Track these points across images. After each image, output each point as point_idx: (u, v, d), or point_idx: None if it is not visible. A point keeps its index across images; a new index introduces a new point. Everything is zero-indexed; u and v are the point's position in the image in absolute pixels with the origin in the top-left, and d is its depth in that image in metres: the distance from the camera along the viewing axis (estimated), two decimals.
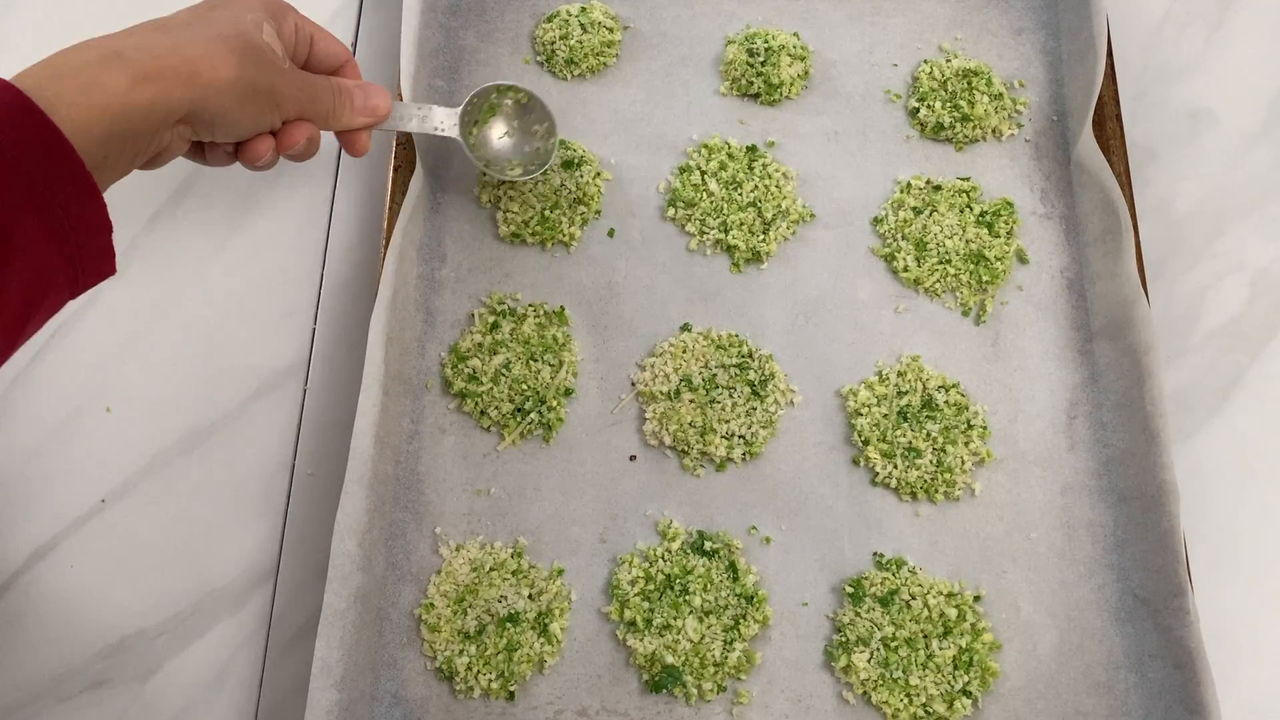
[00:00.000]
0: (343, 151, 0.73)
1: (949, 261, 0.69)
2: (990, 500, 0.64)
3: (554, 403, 0.65)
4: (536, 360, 0.66)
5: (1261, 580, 0.66)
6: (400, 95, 0.68)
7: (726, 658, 0.60)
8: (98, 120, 0.45)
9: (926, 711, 0.59)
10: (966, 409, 0.65)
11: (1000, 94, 0.73)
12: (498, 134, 0.67)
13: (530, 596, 0.61)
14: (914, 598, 0.61)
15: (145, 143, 0.48)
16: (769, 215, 0.70)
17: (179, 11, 0.52)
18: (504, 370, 0.65)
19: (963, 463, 0.64)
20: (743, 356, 0.66)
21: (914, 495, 0.64)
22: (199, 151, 0.56)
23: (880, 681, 0.59)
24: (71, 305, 0.69)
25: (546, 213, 0.69)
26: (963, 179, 0.72)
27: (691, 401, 0.64)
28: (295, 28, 0.56)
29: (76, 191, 0.44)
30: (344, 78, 0.60)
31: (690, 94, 0.74)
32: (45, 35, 0.77)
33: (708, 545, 0.62)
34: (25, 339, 0.46)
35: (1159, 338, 0.65)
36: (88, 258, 0.46)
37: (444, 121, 0.64)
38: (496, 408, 0.65)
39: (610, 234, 0.70)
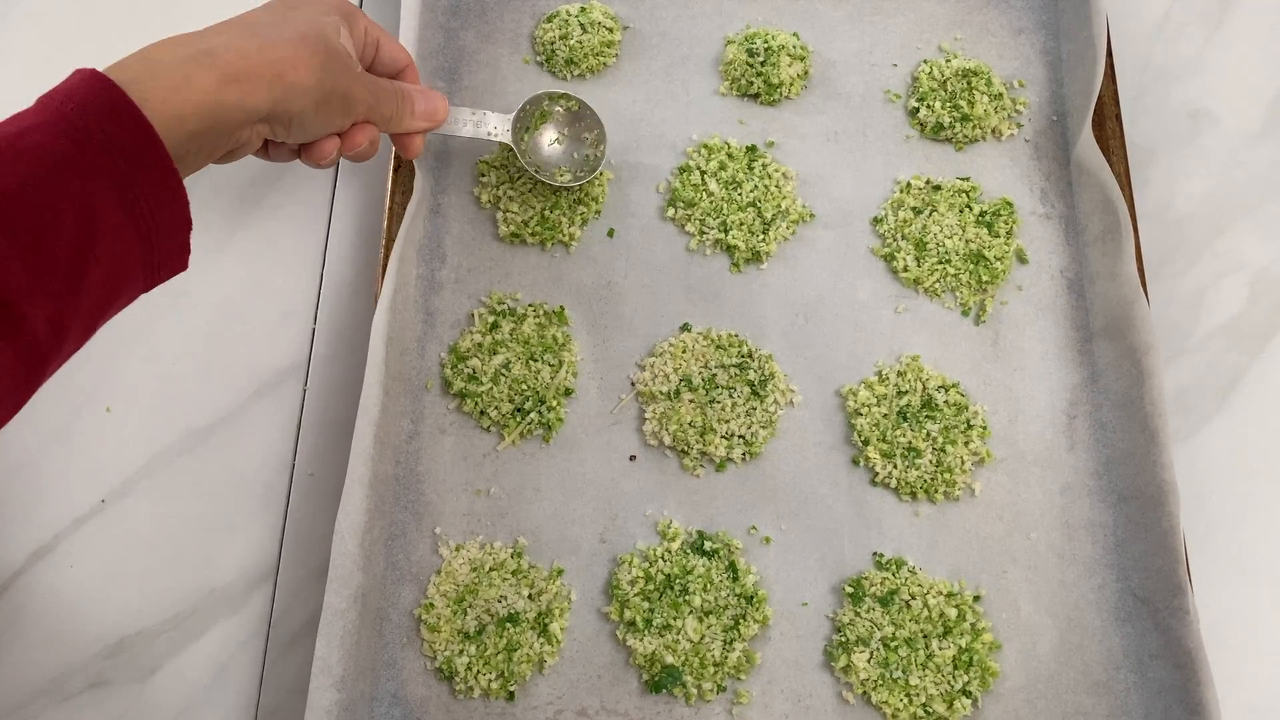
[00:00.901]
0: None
1: (949, 261, 0.69)
2: (990, 500, 0.64)
3: (554, 403, 0.65)
4: (536, 360, 0.66)
5: (1261, 580, 0.65)
6: None
7: (726, 658, 0.60)
8: (188, 117, 0.46)
9: (926, 711, 0.59)
10: (966, 409, 0.65)
11: (1000, 94, 0.73)
12: (548, 140, 0.69)
13: (530, 596, 0.61)
14: (914, 598, 0.61)
15: (226, 139, 0.49)
16: (769, 215, 0.70)
17: (259, 9, 0.53)
18: (504, 370, 0.65)
19: (963, 463, 0.64)
20: (742, 356, 0.66)
21: (914, 495, 0.64)
22: (264, 149, 0.56)
23: (880, 681, 0.59)
24: None
25: (546, 213, 0.69)
26: (963, 179, 0.72)
27: (691, 401, 0.64)
28: (365, 31, 0.58)
29: (162, 188, 0.45)
30: (405, 81, 0.61)
31: (690, 94, 0.74)
32: (47, 32, 0.77)
33: (708, 545, 0.62)
34: (101, 325, 0.47)
35: (1159, 338, 0.65)
36: (166, 251, 0.47)
37: (497, 127, 0.66)
38: (496, 408, 0.65)
39: (610, 234, 0.70)
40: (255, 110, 0.49)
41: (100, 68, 0.45)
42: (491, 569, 0.61)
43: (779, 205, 0.70)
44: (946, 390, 0.66)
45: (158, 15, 0.77)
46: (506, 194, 0.70)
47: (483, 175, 0.71)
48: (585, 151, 0.69)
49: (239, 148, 0.52)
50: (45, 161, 0.42)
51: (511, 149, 0.66)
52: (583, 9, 0.74)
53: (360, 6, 0.78)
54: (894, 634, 0.60)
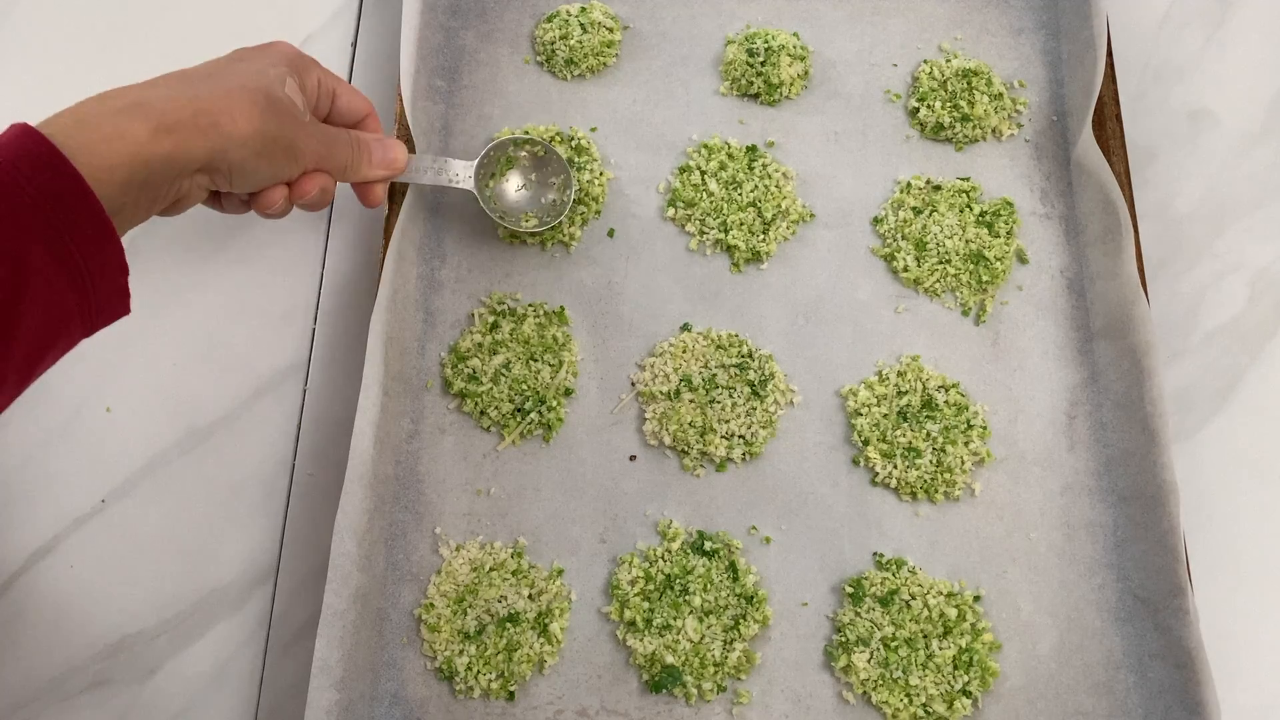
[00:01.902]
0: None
1: (949, 261, 0.69)
2: (990, 500, 0.64)
3: (554, 403, 0.65)
4: (536, 360, 0.66)
5: (1261, 580, 0.66)
6: (400, 95, 0.68)
7: (726, 658, 0.60)
8: (119, 168, 0.46)
9: (926, 711, 0.59)
10: (966, 409, 0.65)
11: (1000, 94, 0.73)
12: (514, 186, 0.68)
13: (530, 596, 0.61)
14: (914, 598, 0.61)
15: (164, 190, 0.49)
16: (769, 215, 0.70)
17: (204, 63, 0.54)
18: (504, 370, 0.65)
19: (963, 463, 0.64)
20: (743, 356, 0.66)
21: (914, 495, 0.64)
22: (215, 200, 0.57)
23: (880, 681, 0.59)
24: None
25: None
26: (963, 179, 0.72)
27: (691, 401, 0.65)
28: (318, 82, 0.57)
29: (95, 235, 0.45)
30: (365, 130, 0.61)
31: (690, 94, 0.74)
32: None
33: (708, 545, 0.62)
34: (37, 376, 0.47)
35: (1159, 338, 0.65)
36: (103, 299, 0.47)
37: (459, 174, 0.65)
38: (496, 408, 0.65)
39: (610, 234, 0.70)
40: (190, 161, 0.49)
41: (34, 123, 0.46)
42: (491, 569, 0.61)
43: (779, 205, 0.70)
44: (946, 390, 0.66)
45: (154, 21, 0.77)
46: None
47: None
48: (551, 196, 0.68)
49: (181, 199, 0.52)
50: None
51: (475, 196, 0.66)
52: (583, 9, 0.74)
53: (359, 11, 0.78)
54: (894, 634, 0.60)
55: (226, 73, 0.52)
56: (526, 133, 0.71)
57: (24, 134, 0.44)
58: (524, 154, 0.68)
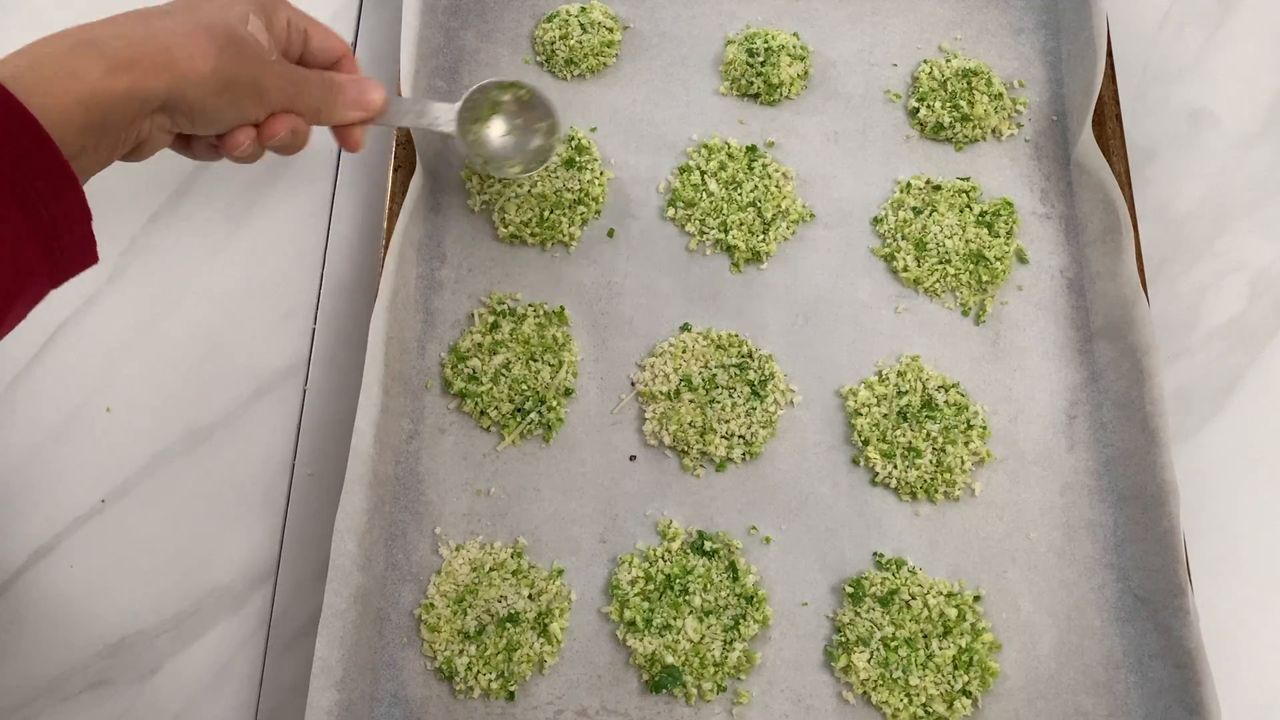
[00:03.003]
0: (343, 151, 0.73)
1: (949, 261, 0.69)
2: (990, 500, 0.64)
3: (554, 403, 0.65)
4: (536, 360, 0.66)
5: (1261, 580, 0.65)
6: (400, 95, 0.68)
7: (726, 658, 0.60)
8: (74, 108, 0.44)
9: (926, 711, 0.59)
10: (966, 409, 0.65)
11: (1000, 94, 0.73)
12: (499, 132, 0.66)
13: (530, 596, 0.61)
14: (914, 598, 0.61)
15: (123, 132, 0.48)
16: (769, 215, 0.70)
17: (165, 2, 0.52)
18: (504, 370, 0.65)
19: (963, 463, 0.64)
20: (743, 356, 0.66)
21: (914, 495, 0.64)
22: (184, 144, 0.55)
23: (880, 681, 0.59)
24: (71, 305, 0.69)
25: (546, 213, 0.69)
26: (963, 179, 0.72)
27: (691, 401, 0.64)
28: (288, 22, 0.55)
29: (54, 180, 0.44)
30: (341, 72, 0.59)
31: (690, 94, 0.74)
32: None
33: (708, 545, 0.62)
34: (7, 329, 0.46)
35: (1159, 338, 0.65)
36: (68, 247, 0.46)
37: (441, 116, 0.62)
38: (496, 408, 0.65)
39: (610, 234, 0.70)
40: (148, 99, 0.47)
41: None
42: (491, 569, 0.61)
43: (779, 205, 0.70)
44: (946, 390, 0.66)
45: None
46: (500, 194, 0.70)
47: (467, 182, 0.70)
48: (537, 143, 0.66)
49: (143, 143, 0.50)
50: None
51: (456, 138, 0.63)
52: (583, 9, 0.74)
53: (359, 11, 0.78)
54: (894, 634, 0.60)
55: (186, 11, 0.50)
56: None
57: None
58: (508, 98, 0.65)
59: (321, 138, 0.72)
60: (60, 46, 0.46)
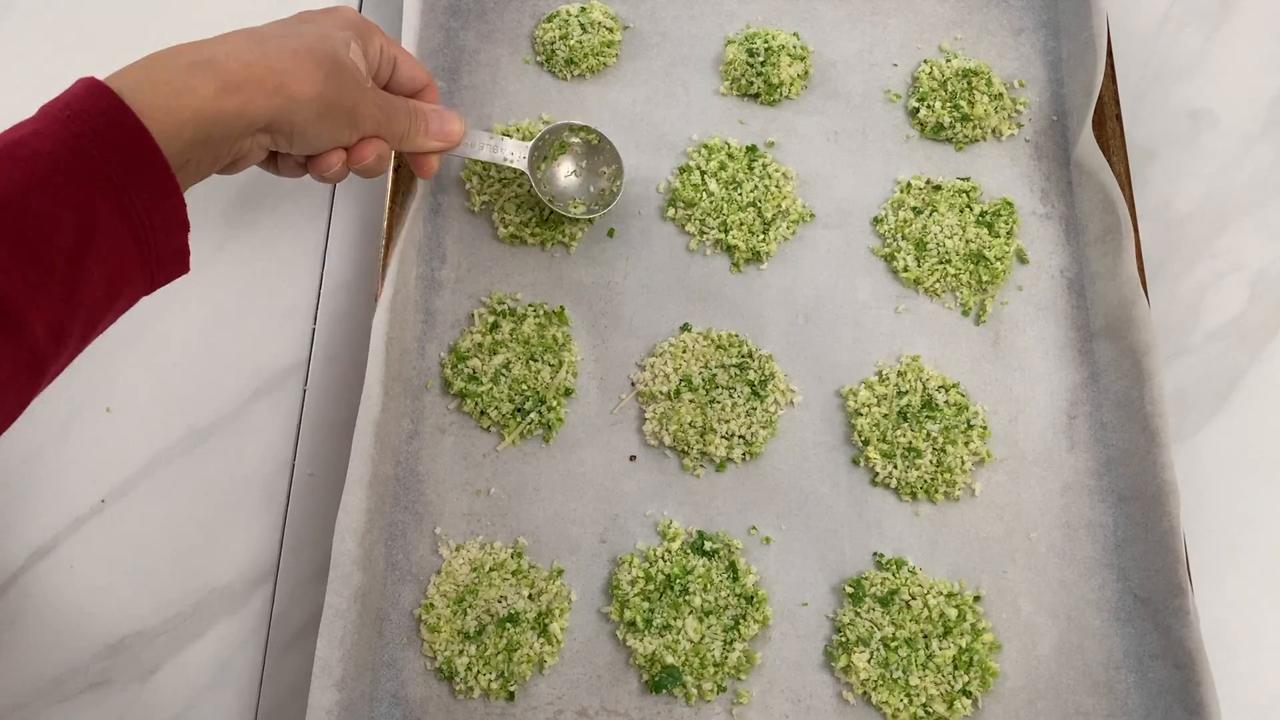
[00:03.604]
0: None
1: (949, 261, 0.69)
2: (990, 500, 0.64)
3: (554, 403, 0.65)
4: (536, 360, 0.66)
5: (1261, 580, 0.66)
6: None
7: (726, 658, 0.60)
8: (186, 124, 0.46)
9: (926, 711, 0.59)
10: (966, 409, 0.65)
11: (1000, 94, 0.73)
12: (565, 171, 0.69)
13: (530, 596, 0.61)
14: (914, 598, 0.61)
15: (227, 148, 0.50)
16: (769, 215, 0.70)
17: (271, 23, 0.54)
18: (504, 370, 0.65)
19: (963, 463, 0.64)
20: (743, 356, 0.66)
21: (914, 495, 0.64)
22: (272, 161, 0.57)
23: (880, 681, 0.59)
24: None
25: (546, 213, 0.69)
26: (963, 179, 0.72)
27: (691, 401, 0.64)
28: (381, 49, 0.57)
29: (159, 191, 0.46)
30: (423, 101, 0.61)
31: (690, 94, 0.74)
32: (45, 34, 0.77)
33: (708, 545, 0.62)
34: (100, 332, 0.47)
35: (1159, 338, 0.65)
36: (164, 255, 0.48)
37: (514, 153, 0.65)
38: (496, 408, 0.65)
39: (610, 234, 0.70)
40: (255, 119, 0.49)
41: (102, 76, 0.46)
42: (491, 569, 0.61)
43: (779, 205, 0.70)
44: (946, 390, 0.66)
45: (156, 16, 0.77)
46: (499, 198, 0.70)
47: (467, 182, 0.71)
48: (601, 185, 0.69)
49: (241, 158, 0.52)
50: (42, 168, 0.43)
51: (527, 176, 0.66)
52: (583, 9, 0.74)
53: (360, 8, 0.78)
54: (894, 634, 0.60)
55: (293, 34, 0.52)
56: (508, 135, 0.71)
57: (92, 87, 0.45)
58: (578, 140, 0.68)
59: None
60: (178, 62, 0.47)
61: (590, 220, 0.70)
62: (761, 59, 0.73)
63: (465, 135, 0.63)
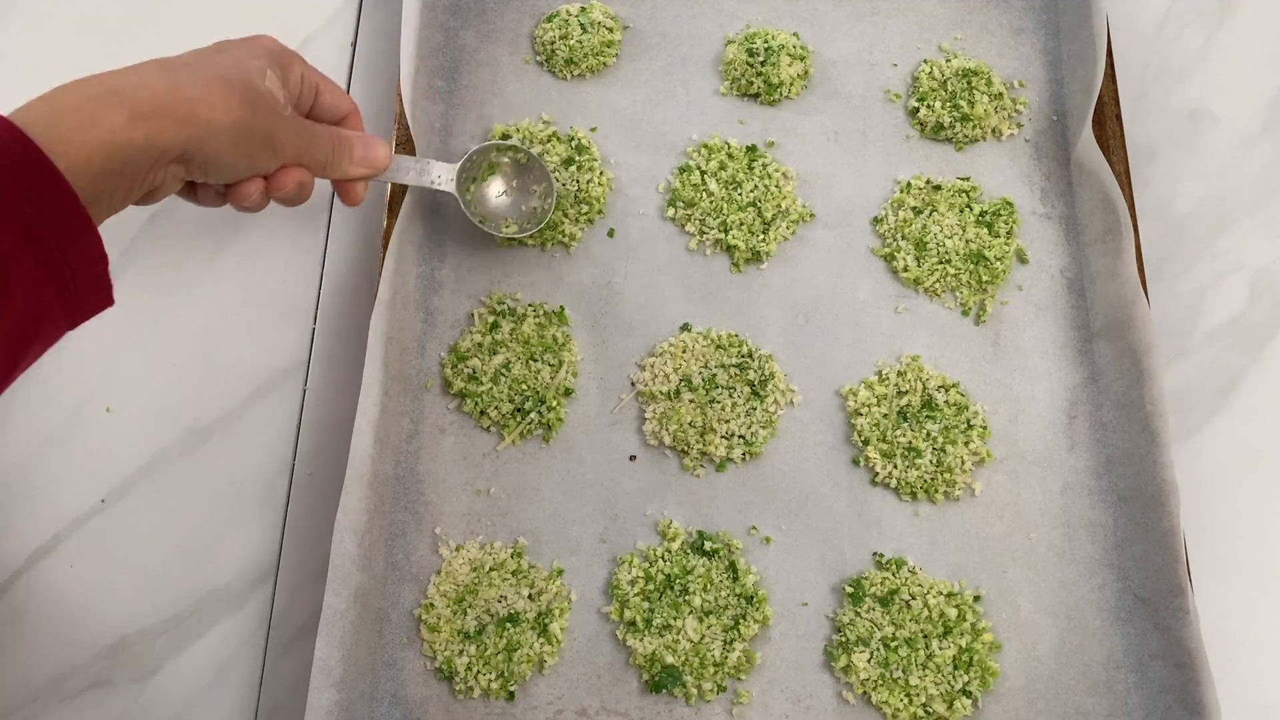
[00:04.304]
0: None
1: (949, 261, 0.69)
2: (990, 500, 0.64)
3: (554, 403, 0.65)
4: (536, 360, 0.66)
5: (1261, 580, 0.65)
6: (400, 95, 0.68)
7: (726, 658, 0.60)
8: (94, 156, 0.45)
9: (926, 711, 0.59)
10: (966, 409, 0.65)
11: (1000, 94, 0.73)
12: (495, 192, 0.68)
13: (530, 596, 0.61)
14: (914, 598, 0.61)
15: (140, 179, 0.48)
16: (769, 215, 0.70)
17: (186, 52, 0.53)
18: (504, 370, 0.65)
19: (963, 463, 0.64)
20: (743, 356, 0.66)
21: (914, 495, 0.64)
22: (191, 191, 0.56)
23: (880, 681, 0.59)
24: None
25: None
26: (963, 179, 0.72)
27: (691, 401, 0.65)
28: (301, 77, 0.57)
29: (71, 226, 0.44)
30: (347, 128, 0.60)
31: (690, 94, 0.74)
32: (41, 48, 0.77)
33: (708, 545, 0.62)
34: (21, 370, 0.46)
35: (1159, 338, 0.65)
36: (83, 290, 0.46)
37: (441, 176, 0.64)
38: (496, 408, 0.65)
39: (610, 234, 0.70)
40: (166, 149, 0.48)
41: (6, 113, 0.45)
42: (491, 569, 0.61)
43: (779, 205, 0.70)
44: (946, 390, 0.66)
45: (149, 19, 0.77)
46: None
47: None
48: (533, 204, 0.68)
49: (156, 189, 0.51)
50: None
51: (456, 198, 0.65)
52: (583, 9, 0.74)
53: (359, 11, 0.78)
54: (894, 634, 0.60)
55: (206, 62, 0.51)
56: (506, 136, 0.71)
57: None
58: (506, 159, 0.68)
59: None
60: (84, 94, 0.46)
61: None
62: (761, 59, 0.73)
63: (391, 160, 0.62)
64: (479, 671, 0.59)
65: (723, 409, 0.64)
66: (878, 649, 0.60)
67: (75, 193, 0.44)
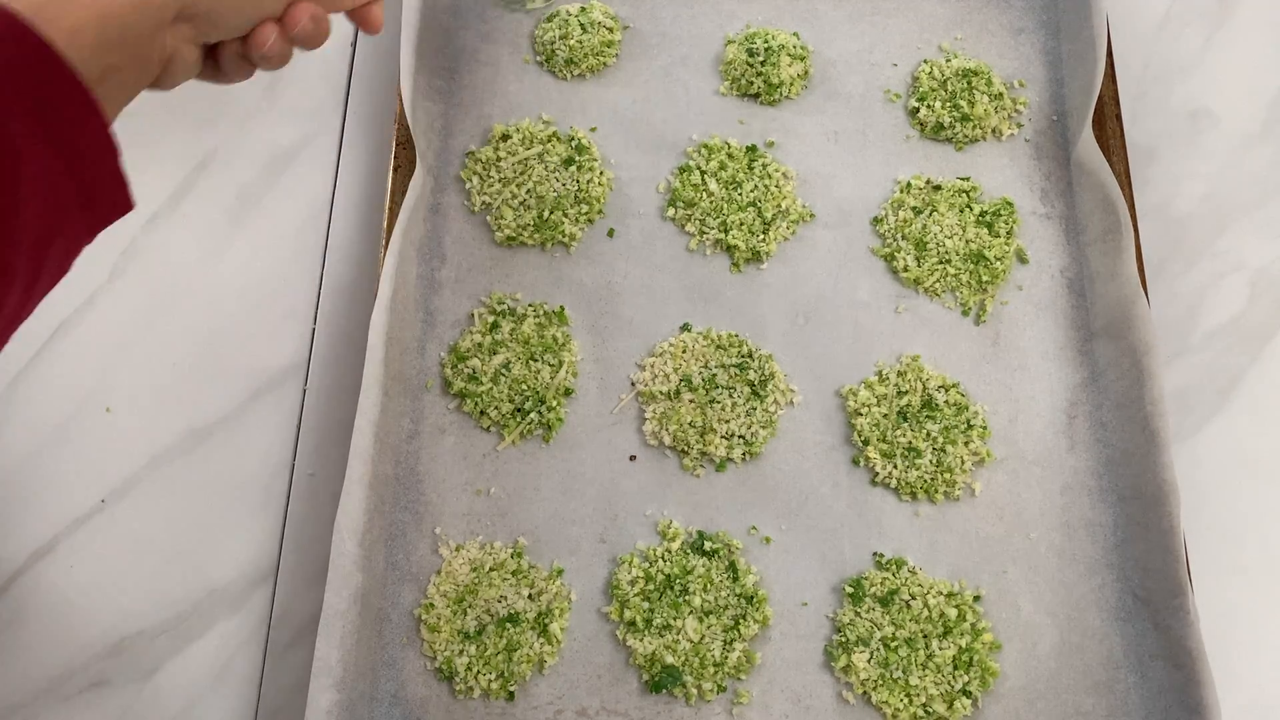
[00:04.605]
0: (343, 150, 0.73)
1: (949, 261, 0.69)
2: (990, 500, 0.64)
3: (554, 403, 0.65)
4: (536, 360, 0.66)
5: (1261, 580, 0.65)
6: (400, 95, 0.68)
7: (726, 658, 0.60)
8: (87, 27, 0.41)
9: (926, 711, 0.59)
10: (966, 409, 0.65)
11: (1000, 94, 0.73)
12: None
13: (530, 596, 0.61)
14: (914, 598, 0.61)
15: (145, 48, 0.45)
16: (769, 215, 0.70)
17: None
18: (504, 370, 0.65)
19: (963, 463, 0.64)
20: (742, 356, 0.66)
21: (914, 495, 0.64)
22: (215, 67, 0.52)
23: (880, 681, 0.59)
24: (71, 305, 0.69)
25: (546, 214, 0.69)
26: (963, 179, 0.72)
27: (691, 401, 0.64)
28: None
29: (75, 108, 0.41)
30: None
31: (690, 94, 0.74)
32: None
33: (708, 545, 0.62)
34: (47, 276, 0.43)
35: (1159, 338, 0.65)
36: (97, 181, 0.43)
37: None
38: (496, 408, 0.65)
39: (610, 234, 0.70)
40: (164, 4, 0.44)
41: None
42: (491, 569, 0.61)
43: (779, 205, 0.70)
44: (946, 390, 0.66)
45: None
46: (498, 199, 0.70)
47: (468, 182, 0.71)
48: None
49: (171, 63, 0.47)
50: None
51: None
52: (583, 9, 0.74)
53: None
54: (894, 634, 0.60)
55: None
56: (506, 136, 0.70)
57: None
58: None
59: (319, 124, 0.72)
60: None
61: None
62: (761, 59, 0.73)
63: None
64: (479, 671, 0.59)
65: (723, 409, 0.64)
66: (878, 649, 0.60)
67: (73, 70, 0.40)
